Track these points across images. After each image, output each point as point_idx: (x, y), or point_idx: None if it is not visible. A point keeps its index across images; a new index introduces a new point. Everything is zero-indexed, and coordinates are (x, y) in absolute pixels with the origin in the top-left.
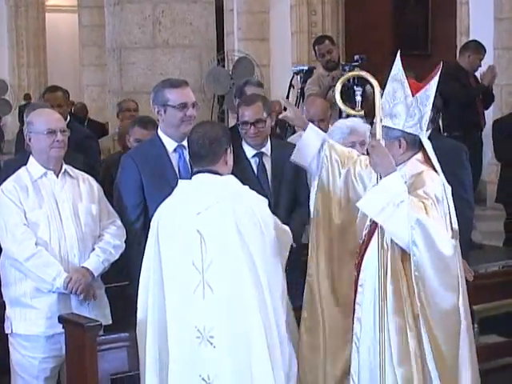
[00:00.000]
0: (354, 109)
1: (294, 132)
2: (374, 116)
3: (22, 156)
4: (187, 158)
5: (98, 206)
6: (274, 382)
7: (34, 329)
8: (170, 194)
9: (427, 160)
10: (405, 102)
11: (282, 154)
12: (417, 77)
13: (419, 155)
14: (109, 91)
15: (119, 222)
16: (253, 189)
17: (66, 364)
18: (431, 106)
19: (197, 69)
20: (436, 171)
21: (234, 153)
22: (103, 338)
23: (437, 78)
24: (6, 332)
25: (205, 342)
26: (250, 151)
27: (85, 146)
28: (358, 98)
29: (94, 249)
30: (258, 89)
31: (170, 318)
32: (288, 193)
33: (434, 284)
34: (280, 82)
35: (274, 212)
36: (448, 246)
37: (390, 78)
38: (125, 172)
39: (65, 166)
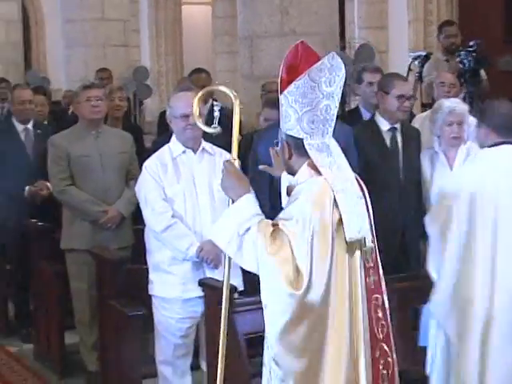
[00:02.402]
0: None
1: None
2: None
3: (168, 135)
4: None
5: None
6: None
7: (172, 292)
8: None
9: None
10: (280, 100)
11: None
12: None
13: (308, 162)
14: (241, 76)
15: None
16: None
17: (205, 324)
18: (316, 105)
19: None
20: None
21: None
22: (239, 300)
23: (315, 69)
24: (150, 293)
25: None
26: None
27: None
28: (216, 114)
29: None
30: (376, 75)
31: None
32: None
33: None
34: (397, 67)
35: None
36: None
37: None
38: (252, 152)
39: (203, 144)
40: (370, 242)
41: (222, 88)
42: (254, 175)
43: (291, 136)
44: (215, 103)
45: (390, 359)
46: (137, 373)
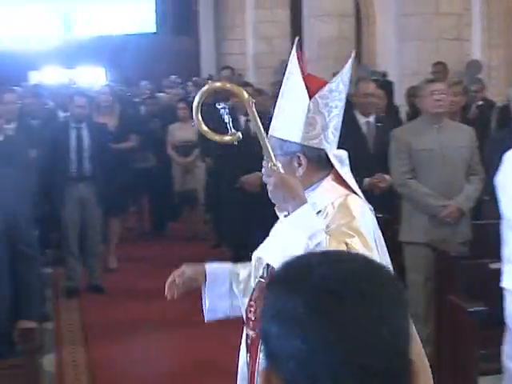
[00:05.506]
0: (225, 134)
1: None
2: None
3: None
4: None
5: None
6: None
7: None
8: None
9: (341, 181)
10: (301, 106)
11: None
12: None
13: (331, 176)
14: None
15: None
16: None
17: None
18: (341, 109)
19: None
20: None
21: None
22: None
23: (346, 70)
24: (501, 285)
25: None
26: None
27: None
28: (226, 117)
29: None
30: None
31: None
32: None
33: None
34: None
35: None
36: None
37: (286, 74)
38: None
39: None
40: None
41: (229, 85)
42: None
43: (311, 147)
44: (219, 105)
45: None
46: (473, 369)
